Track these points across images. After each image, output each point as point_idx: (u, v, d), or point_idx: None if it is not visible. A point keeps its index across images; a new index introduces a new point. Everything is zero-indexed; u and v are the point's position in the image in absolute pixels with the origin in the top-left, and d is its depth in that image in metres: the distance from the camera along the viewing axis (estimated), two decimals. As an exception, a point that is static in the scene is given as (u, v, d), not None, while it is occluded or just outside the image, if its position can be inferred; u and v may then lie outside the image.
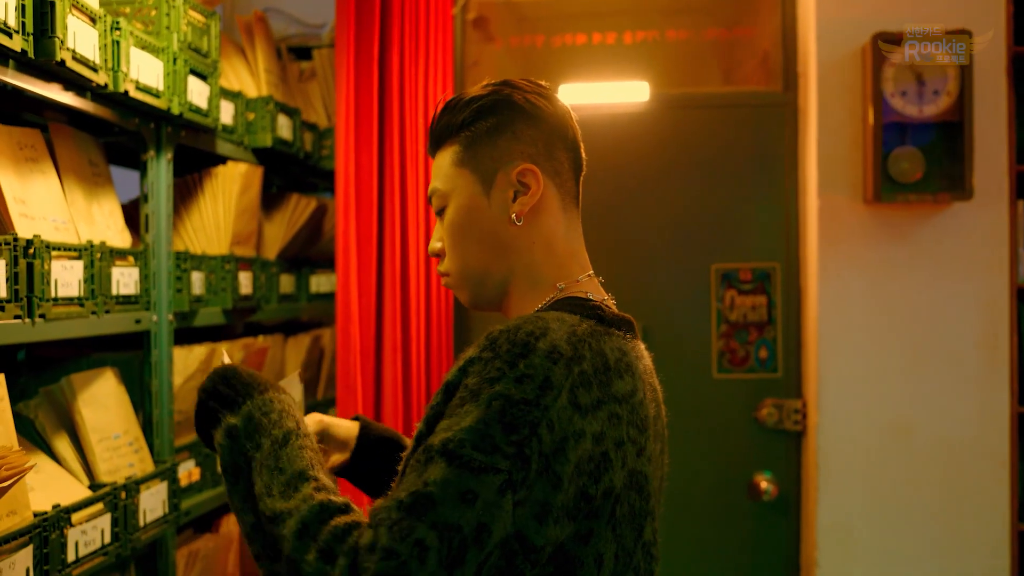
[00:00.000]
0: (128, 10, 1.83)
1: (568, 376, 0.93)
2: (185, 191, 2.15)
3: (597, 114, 2.73)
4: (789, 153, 2.67)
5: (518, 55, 2.90)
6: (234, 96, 2.16)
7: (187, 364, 1.99)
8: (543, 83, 1.17)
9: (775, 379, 2.68)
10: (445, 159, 1.14)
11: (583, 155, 1.18)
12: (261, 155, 2.30)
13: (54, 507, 1.46)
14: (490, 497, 0.87)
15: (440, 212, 1.16)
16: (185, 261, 1.94)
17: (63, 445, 1.67)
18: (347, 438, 1.33)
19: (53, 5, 1.43)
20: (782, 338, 2.68)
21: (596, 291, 1.13)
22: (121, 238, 1.82)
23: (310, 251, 2.73)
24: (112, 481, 1.67)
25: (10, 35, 1.36)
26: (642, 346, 1.12)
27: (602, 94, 2.76)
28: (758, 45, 2.79)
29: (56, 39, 1.44)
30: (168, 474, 1.82)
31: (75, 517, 1.52)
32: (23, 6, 1.39)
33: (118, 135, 1.90)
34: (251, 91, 2.31)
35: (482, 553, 0.86)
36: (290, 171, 2.62)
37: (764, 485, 2.62)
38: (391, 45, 2.25)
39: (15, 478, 1.17)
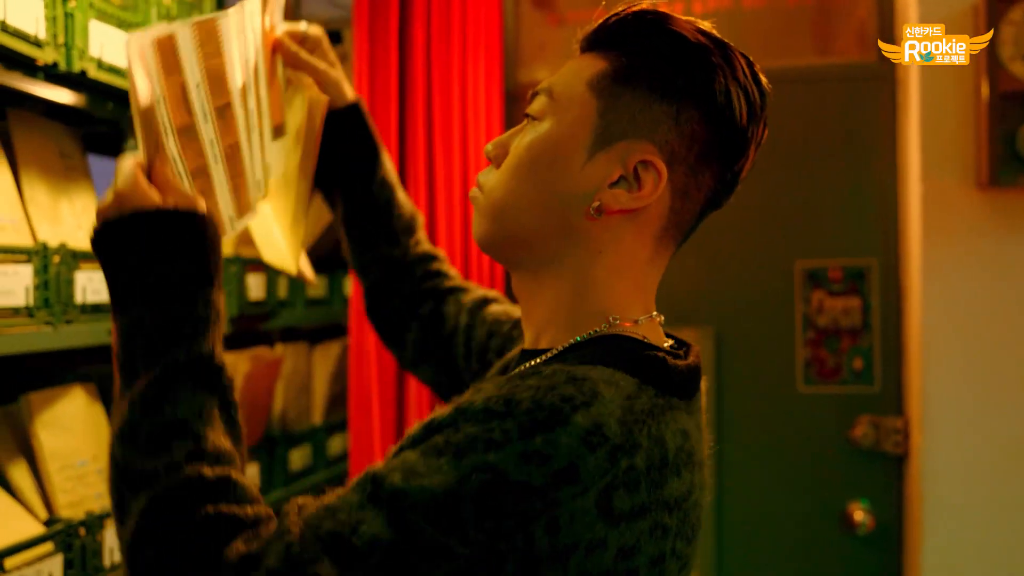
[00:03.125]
0: (107, -17, 1.63)
1: (609, 471, 0.68)
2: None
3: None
4: (887, 132, 2.30)
5: (575, 31, 2.61)
6: (240, 80, 1.95)
7: (180, 379, 1.79)
8: (765, 83, 0.87)
9: (871, 394, 2.33)
10: (586, 67, 0.85)
11: (731, 195, 0.91)
12: (277, 145, 2.08)
13: (-19, 551, 1.27)
14: None
15: (529, 115, 0.88)
16: (175, 264, 1.73)
17: (20, 474, 1.48)
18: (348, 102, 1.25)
19: (-28, -33, 1.23)
20: (880, 346, 2.32)
21: (654, 336, 0.87)
22: (96, 239, 1.62)
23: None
24: (69, 516, 1.47)
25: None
26: (702, 392, 0.88)
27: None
28: (849, 10, 2.42)
29: (-24, 8, 1.24)
30: (147, 505, 1.62)
31: (10, 562, 1.32)
32: (-66, -31, 1.20)
33: (100, 124, 1.71)
34: (263, 74, 2.09)
35: None
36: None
37: (859, 516, 2.29)
38: (413, 23, 1.99)
39: None
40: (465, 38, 2.06)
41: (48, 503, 1.50)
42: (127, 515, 0.73)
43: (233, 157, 1.07)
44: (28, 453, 1.51)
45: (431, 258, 1.35)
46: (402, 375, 2.05)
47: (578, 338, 0.84)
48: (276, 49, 1.22)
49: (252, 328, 2.02)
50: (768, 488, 2.35)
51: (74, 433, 1.55)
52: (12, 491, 1.47)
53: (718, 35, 0.85)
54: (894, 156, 2.29)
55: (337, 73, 1.28)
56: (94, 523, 1.48)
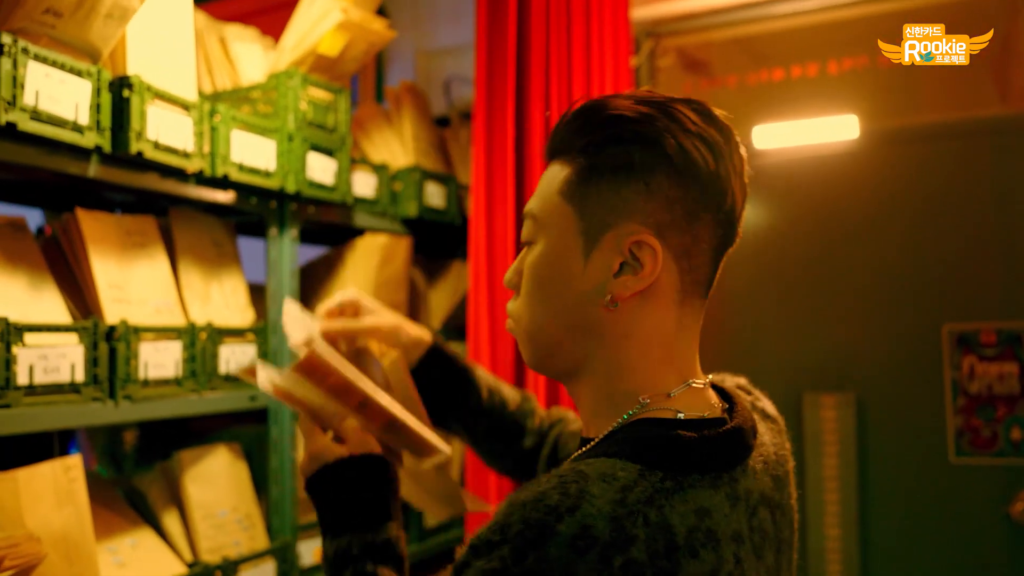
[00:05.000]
0: (256, 94, 1.89)
1: (603, 572, 0.69)
2: (331, 264, 2.17)
3: (798, 157, 2.41)
4: (1041, 187, 2.16)
5: (711, 98, 2.65)
6: (377, 168, 2.16)
7: (317, 439, 1.98)
8: (722, 116, 0.87)
9: (1034, 467, 2.16)
10: (554, 177, 0.89)
11: (739, 228, 0.89)
12: (414, 225, 2.27)
13: (127, 588, 1.49)
14: None
15: (527, 243, 0.92)
16: (312, 336, 1.94)
17: (171, 521, 1.72)
18: (417, 341, 1.33)
19: (128, 100, 1.50)
20: (1040, 417, 2.15)
21: (695, 404, 0.87)
22: (242, 315, 1.86)
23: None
24: (208, 560, 1.68)
25: (81, 132, 1.44)
26: (759, 459, 0.87)
27: (803, 134, 2.43)
28: (990, 59, 2.31)
29: (132, 132, 1.50)
30: (280, 553, 1.81)
31: (154, 598, 1.54)
32: (98, 104, 1.47)
33: (249, 213, 1.95)
34: (400, 160, 2.30)
35: None
36: (455, 238, 2.57)
37: (1022, 601, 2.10)
38: (529, 103, 2.12)
39: (16, 569, 1.19)
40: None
41: (193, 547, 1.72)
42: None
43: (396, 425, 1.16)
44: (178, 503, 1.74)
45: (556, 420, 1.42)
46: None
47: (615, 424, 0.86)
48: (333, 339, 1.26)
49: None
50: (916, 563, 2.22)
51: (218, 487, 1.77)
52: (164, 535, 1.70)
53: (659, 97, 0.86)
54: (1049, 213, 2.15)
55: (390, 319, 1.33)
56: (229, 568, 1.68)
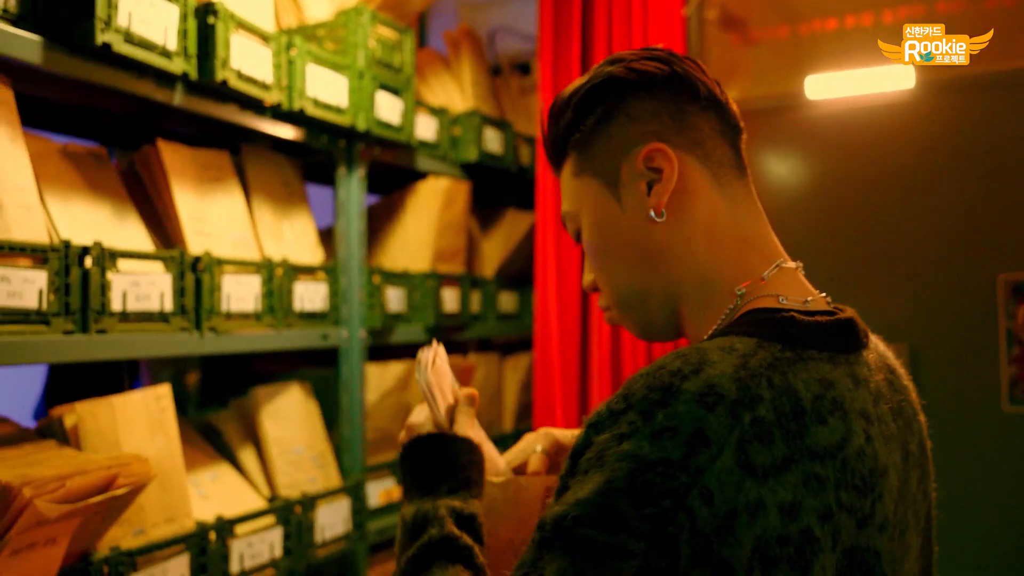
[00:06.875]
0: (322, 32, 1.87)
1: (734, 427, 0.68)
2: (390, 208, 2.16)
3: (852, 107, 2.39)
4: (1101, 135, 2.15)
5: (763, 49, 2.63)
6: (437, 111, 2.14)
7: (383, 381, 1.98)
8: (658, 46, 0.94)
9: (1087, 416, 2.16)
10: (566, 175, 0.94)
11: (734, 111, 0.92)
12: (470, 170, 2.26)
13: (216, 518, 1.49)
14: None
15: (578, 238, 0.95)
16: (378, 277, 1.93)
17: (248, 457, 1.72)
18: None
19: (214, 28, 1.48)
20: (1095, 365, 2.15)
21: (793, 288, 0.85)
22: (312, 255, 1.85)
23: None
24: (288, 495, 1.68)
25: (170, 57, 1.42)
26: (874, 355, 0.84)
27: (857, 83, 2.41)
28: (1053, 6, 2.29)
29: (217, 60, 1.48)
30: (353, 491, 1.81)
31: (240, 529, 1.53)
32: (185, 31, 1.45)
33: (315, 155, 1.94)
34: (458, 106, 2.28)
35: None
36: (510, 187, 2.56)
37: (1075, 547, 2.11)
38: (595, 54, 2.11)
39: (130, 486, 1.19)
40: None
41: (270, 482, 1.72)
42: None
43: None
44: (254, 439, 1.74)
45: None
46: (585, 385, 2.15)
47: (718, 324, 0.84)
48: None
49: (447, 338, 2.20)
50: (973, 516, 2.23)
51: (292, 424, 1.77)
52: (241, 470, 1.70)
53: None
54: (1109, 160, 2.14)
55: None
56: (308, 503, 1.68)
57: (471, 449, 0.98)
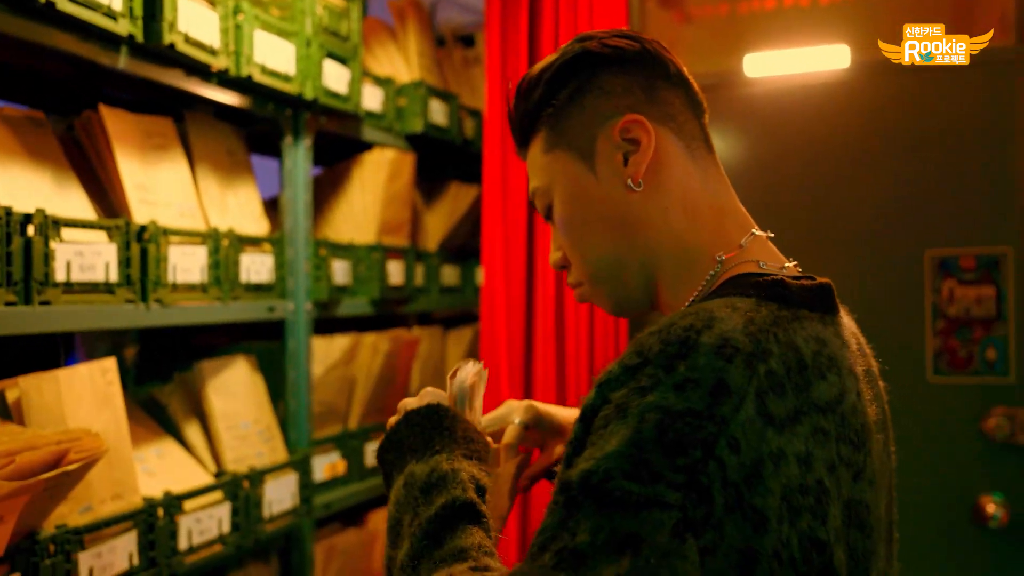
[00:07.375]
0: (268, -2, 1.82)
1: (752, 377, 0.68)
2: (334, 180, 2.13)
3: (788, 86, 2.44)
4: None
5: (702, 27, 2.67)
6: (383, 81, 2.11)
7: (329, 354, 1.96)
8: (625, 31, 0.95)
9: (1006, 385, 2.26)
10: (535, 152, 0.94)
11: (697, 90, 0.94)
12: (415, 142, 2.24)
13: (164, 494, 1.46)
14: (662, 542, 0.63)
15: (548, 214, 0.95)
16: (325, 249, 1.90)
17: (193, 432, 1.68)
18: (566, 424, 1.09)
19: (161, -12, 1.43)
20: (1015, 336, 2.26)
21: (768, 255, 0.88)
22: (257, 226, 1.81)
23: (478, 243, 2.65)
24: (235, 470, 1.65)
25: (115, 19, 1.36)
26: (847, 320, 0.87)
27: (794, 62, 2.46)
28: (983, -7, 2.38)
29: (164, 22, 1.43)
30: (300, 466, 1.79)
31: (188, 504, 1.51)
32: (131, -9, 1.39)
33: (260, 124, 1.90)
34: (404, 77, 2.25)
35: None
36: (453, 160, 2.54)
37: (992, 509, 2.22)
38: (542, 28, 2.11)
39: (82, 462, 1.15)
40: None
41: (216, 458, 1.69)
42: None
43: None
44: (199, 414, 1.71)
45: None
46: (529, 359, 2.16)
47: (699, 292, 0.86)
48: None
49: (391, 311, 2.18)
50: (899, 482, 2.33)
51: (239, 398, 1.74)
52: (187, 446, 1.67)
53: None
54: (1030, 142, 2.24)
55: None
56: (256, 478, 1.66)
57: (486, 442, 0.94)
